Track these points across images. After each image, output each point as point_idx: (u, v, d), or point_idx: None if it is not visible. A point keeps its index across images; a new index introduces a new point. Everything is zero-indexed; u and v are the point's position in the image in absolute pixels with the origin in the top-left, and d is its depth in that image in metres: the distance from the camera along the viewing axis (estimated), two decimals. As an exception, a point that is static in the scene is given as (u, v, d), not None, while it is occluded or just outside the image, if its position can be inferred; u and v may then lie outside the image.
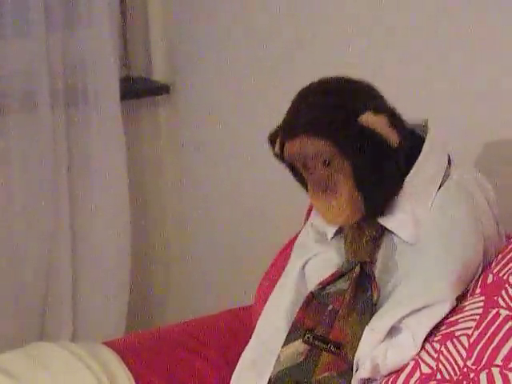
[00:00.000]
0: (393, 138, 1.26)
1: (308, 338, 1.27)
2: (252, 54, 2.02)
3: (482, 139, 1.54)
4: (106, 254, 2.19)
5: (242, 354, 1.37)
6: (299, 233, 1.44)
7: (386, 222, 1.29)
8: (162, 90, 2.28)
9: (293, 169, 1.32)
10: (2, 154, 2.08)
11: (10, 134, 2.09)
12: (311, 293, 1.30)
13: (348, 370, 1.25)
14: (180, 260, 2.33)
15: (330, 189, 1.26)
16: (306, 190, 1.31)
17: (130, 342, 1.58)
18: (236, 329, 1.54)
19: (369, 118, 1.25)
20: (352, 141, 1.25)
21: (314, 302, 1.29)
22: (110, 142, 2.16)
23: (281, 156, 1.32)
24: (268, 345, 1.33)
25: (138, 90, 2.29)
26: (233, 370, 1.38)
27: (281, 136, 1.31)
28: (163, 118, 2.31)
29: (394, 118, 1.28)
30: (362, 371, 1.24)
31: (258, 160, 2.05)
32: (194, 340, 1.55)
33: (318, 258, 1.34)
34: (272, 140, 1.34)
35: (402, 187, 1.28)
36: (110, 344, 1.54)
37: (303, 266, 1.35)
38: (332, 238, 1.34)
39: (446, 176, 1.31)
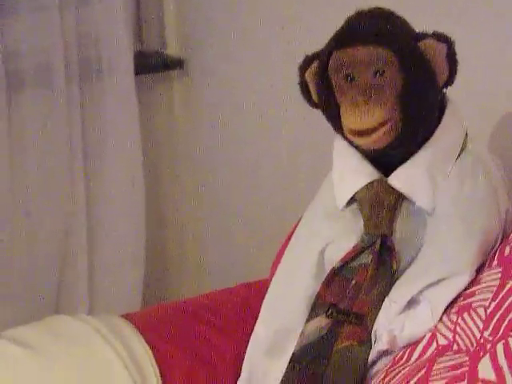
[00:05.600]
0: (442, 74, 1.25)
1: (331, 312, 1.27)
2: (268, 28, 2.01)
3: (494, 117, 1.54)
4: (121, 228, 2.20)
5: (254, 340, 1.37)
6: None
7: (404, 187, 1.27)
8: (175, 64, 2.28)
9: (323, 87, 1.27)
10: (17, 129, 2.09)
11: (25, 109, 2.09)
12: (333, 269, 1.29)
13: (368, 339, 1.25)
14: (195, 233, 2.34)
15: (374, 98, 1.22)
16: (329, 115, 1.28)
17: (147, 315, 1.59)
18: (252, 302, 1.54)
19: (431, 44, 1.25)
20: (411, 58, 1.24)
21: (336, 277, 1.29)
22: (124, 117, 2.17)
23: (321, 71, 1.27)
24: (286, 330, 1.32)
25: (152, 64, 2.29)
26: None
27: (330, 45, 1.27)
28: (177, 93, 2.31)
29: (452, 53, 1.27)
30: (380, 343, 1.24)
31: (274, 134, 2.05)
32: (210, 313, 1.56)
33: (338, 244, 1.31)
34: (306, 62, 1.31)
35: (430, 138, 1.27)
36: (127, 317, 1.55)
37: (321, 254, 1.32)
38: (344, 208, 1.31)
39: (464, 146, 1.30)
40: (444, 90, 1.30)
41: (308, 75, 1.32)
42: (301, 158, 1.98)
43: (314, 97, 1.32)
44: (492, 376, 1.08)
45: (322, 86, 1.28)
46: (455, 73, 1.28)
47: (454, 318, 1.20)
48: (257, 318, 1.39)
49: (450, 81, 1.28)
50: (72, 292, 2.19)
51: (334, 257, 1.30)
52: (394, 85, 1.23)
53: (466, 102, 1.38)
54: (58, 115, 2.11)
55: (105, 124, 2.17)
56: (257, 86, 2.07)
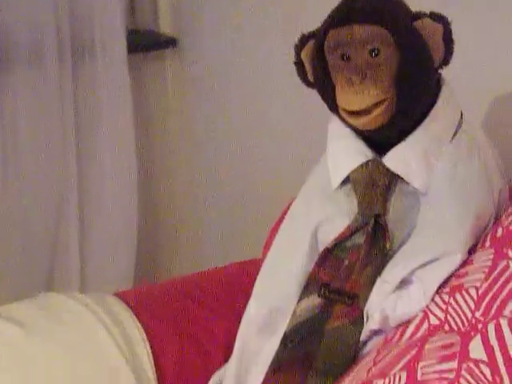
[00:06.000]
0: (438, 55, 1.25)
1: (324, 292, 1.28)
2: (261, 6, 2.01)
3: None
4: (114, 206, 2.20)
5: (246, 319, 1.37)
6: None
7: (398, 168, 1.27)
8: (168, 43, 2.27)
9: (319, 66, 1.27)
10: (8, 107, 2.08)
11: (17, 88, 2.09)
12: (327, 248, 1.29)
13: (360, 319, 1.26)
14: (188, 212, 2.34)
15: (369, 77, 1.21)
16: (325, 94, 1.27)
17: (139, 294, 1.60)
18: (244, 281, 1.55)
19: (427, 24, 1.24)
20: (407, 37, 1.23)
21: (329, 257, 1.29)
22: (117, 95, 2.17)
23: (316, 50, 1.27)
24: (278, 309, 1.32)
25: (145, 43, 2.28)
26: (240, 323, 1.39)
27: (326, 24, 1.27)
28: (170, 71, 2.31)
29: (448, 33, 1.26)
30: (372, 323, 1.25)
31: (268, 112, 2.05)
32: (202, 292, 1.56)
33: (331, 225, 1.31)
34: (302, 41, 1.30)
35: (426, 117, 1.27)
36: (119, 295, 1.55)
37: (314, 234, 1.32)
38: (338, 188, 1.31)
39: (459, 127, 1.30)
40: (440, 71, 1.30)
41: (304, 54, 1.31)
42: (295, 137, 1.98)
43: (310, 76, 1.32)
44: (483, 356, 1.09)
45: (318, 65, 1.28)
46: (451, 53, 1.28)
47: (445, 298, 1.21)
48: (249, 298, 1.40)
49: (445, 61, 1.28)
50: (64, 270, 2.19)
51: (328, 237, 1.30)
52: (389, 64, 1.23)
53: (462, 82, 1.38)
54: (51, 93, 2.10)
55: (97, 102, 2.17)
56: (250, 65, 2.07)
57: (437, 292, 1.23)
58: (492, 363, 1.07)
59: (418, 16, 1.26)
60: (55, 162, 2.13)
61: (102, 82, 2.16)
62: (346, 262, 1.28)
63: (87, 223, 2.20)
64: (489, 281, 1.17)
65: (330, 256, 1.29)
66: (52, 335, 1.42)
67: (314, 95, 1.33)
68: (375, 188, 1.27)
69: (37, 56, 2.09)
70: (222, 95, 2.17)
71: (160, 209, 2.37)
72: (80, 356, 1.41)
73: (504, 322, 1.11)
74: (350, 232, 1.28)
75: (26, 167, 2.11)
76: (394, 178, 1.28)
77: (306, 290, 1.30)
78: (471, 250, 1.26)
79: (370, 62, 1.23)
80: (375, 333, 1.25)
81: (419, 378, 1.10)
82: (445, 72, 1.31)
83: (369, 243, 1.27)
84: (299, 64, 1.32)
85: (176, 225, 2.37)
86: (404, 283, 1.25)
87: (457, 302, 1.19)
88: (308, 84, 1.33)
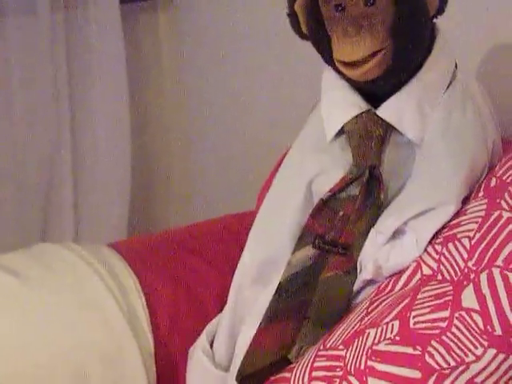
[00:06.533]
0: (433, 3, 1.25)
1: (318, 243, 1.28)
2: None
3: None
4: (107, 157, 2.20)
5: (240, 269, 1.38)
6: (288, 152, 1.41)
7: (393, 118, 1.27)
8: (162, -8, 2.26)
9: (313, 18, 1.26)
10: (1, 57, 2.07)
11: (8, 37, 2.07)
12: (322, 200, 1.29)
13: (354, 269, 1.27)
14: (182, 164, 2.34)
15: (365, 28, 1.21)
16: (319, 46, 1.27)
17: (133, 245, 1.60)
18: (239, 233, 1.55)
19: None
20: None
21: (324, 208, 1.29)
22: (109, 45, 2.15)
23: (310, 1, 1.25)
24: (272, 260, 1.33)
25: (138, -8, 2.26)
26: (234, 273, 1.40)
27: None
28: (163, 21, 2.29)
29: None
30: (365, 273, 1.26)
31: (261, 65, 2.04)
32: (197, 243, 1.57)
33: (326, 176, 1.31)
34: None
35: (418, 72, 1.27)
36: (113, 246, 1.56)
37: (309, 185, 1.32)
38: (332, 140, 1.31)
39: (453, 76, 1.30)
40: (434, 20, 1.29)
41: (297, 6, 1.30)
42: (290, 87, 1.97)
43: (304, 28, 1.31)
44: (475, 305, 1.10)
45: (312, 16, 1.27)
46: (446, 2, 1.27)
47: (438, 248, 1.21)
48: (243, 249, 1.40)
49: (440, 10, 1.27)
50: (58, 221, 2.19)
51: (322, 188, 1.30)
52: (385, 14, 1.22)
53: (456, 32, 1.37)
54: (43, 43, 2.08)
55: (90, 53, 2.15)
56: (244, 16, 2.05)
57: (430, 242, 1.23)
58: (484, 312, 1.08)
59: None
60: (48, 112, 2.12)
61: (94, 31, 2.14)
62: (341, 214, 1.28)
63: (80, 174, 2.20)
64: (482, 231, 1.17)
65: (324, 207, 1.29)
66: (47, 284, 1.42)
67: (308, 46, 1.32)
68: (370, 139, 1.27)
69: (30, 5, 2.07)
70: (214, 45, 2.15)
71: (153, 160, 2.37)
72: (76, 306, 1.41)
73: (496, 272, 1.12)
74: (345, 183, 1.28)
75: (19, 116, 2.10)
76: (388, 129, 1.28)
77: (300, 241, 1.30)
78: (465, 200, 1.26)
79: (366, 11, 1.22)
80: (368, 283, 1.26)
81: (411, 326, 1.11)
82: (439, 21, 1.30)
83: (364, 194, 1.27)
84: (292, 15, 1.31)
85: (170, 175, 2.37)
86: (397, 233, 1.25)
87: (450, 251, 1.19)
88: (302, 36, 1.32)
